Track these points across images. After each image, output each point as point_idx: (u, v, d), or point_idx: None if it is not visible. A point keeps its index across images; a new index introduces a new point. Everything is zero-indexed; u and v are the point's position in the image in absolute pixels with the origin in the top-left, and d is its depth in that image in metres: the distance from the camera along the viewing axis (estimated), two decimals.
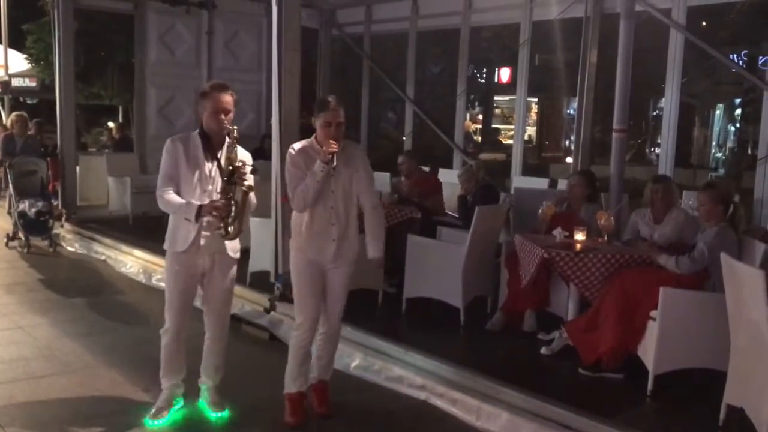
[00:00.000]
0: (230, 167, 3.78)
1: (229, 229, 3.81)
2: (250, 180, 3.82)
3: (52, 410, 4.19)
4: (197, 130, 3.92)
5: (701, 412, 4.02)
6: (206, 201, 3.79)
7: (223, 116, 3.81)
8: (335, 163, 3.87)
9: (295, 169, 3.93)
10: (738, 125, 15.84)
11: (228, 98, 3.86)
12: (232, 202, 3.77)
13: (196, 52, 11.21)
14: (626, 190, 6.51)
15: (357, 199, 4.05)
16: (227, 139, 3.81)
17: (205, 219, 3.78)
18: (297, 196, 3.91)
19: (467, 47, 10.51)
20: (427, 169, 8.28)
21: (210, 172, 3.85)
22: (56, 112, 9.77)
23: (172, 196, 3.80)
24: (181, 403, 4.15)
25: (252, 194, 3.89)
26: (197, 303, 4.13)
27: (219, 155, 3.87)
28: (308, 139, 4.02)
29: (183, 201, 3.78)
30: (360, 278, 4.58)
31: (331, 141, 3.83)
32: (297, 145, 4.00)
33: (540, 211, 5.49)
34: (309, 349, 4.12)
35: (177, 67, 11.02)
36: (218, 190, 3.84)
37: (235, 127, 3.83)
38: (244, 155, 3.93)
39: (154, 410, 4.04)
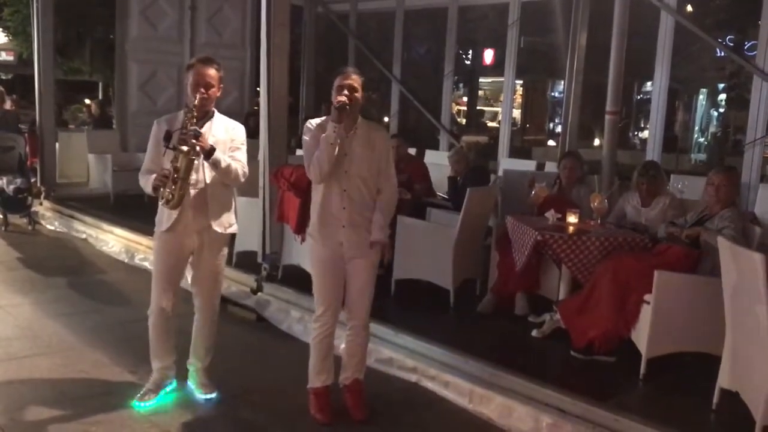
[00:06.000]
0: (183, 128, 3.65)
1: (169, 196, 3.65)
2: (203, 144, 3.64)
3: (36, 391, 4.08)
4: (184, 108, 3.81)
5: (694, 396, 4.01)
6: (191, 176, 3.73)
7: (203, 90, 3.69)
8: (342, 117, 3.60)
9: (312, 140, 3.72)
10: (721, 110, 15.95)
11: (210, 71, 3.75)
12: (175, 167, 3.62)
13: (179, 28, 10.96)
14: None
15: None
16: (193, 110, 3.67)
17: (158, 187, 3.66)
18: (312, 165, 3.67)
19: (455, 27, 10.40)
20: (413, 150, 8.20)
21: None
22: (33, 87, 9.53)
23: (145, 174, 3.77)
24: (173, 386, 4.07)
25: (237, 166, 3.79)
26: (186, 286, 4.05)
27: (203, 130, 3.74)
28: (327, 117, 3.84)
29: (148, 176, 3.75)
30: None
31: (339, 96, 3.61)
32: (314, 120, 3.83)
33: (533, 193, 5.44)
34: (331, 341, 3.89)
35: (159, 43, 10.77)
36: (203, 164, 3.76)
37: (199, 95, 3.68)
38: (235, 129, 3.88)
39: (142, 392, 3.95)
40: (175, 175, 3.62)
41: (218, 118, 3.87)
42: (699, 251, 4.48)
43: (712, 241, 4.30)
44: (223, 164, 3.74)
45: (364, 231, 3.78)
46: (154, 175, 3.68)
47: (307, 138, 3.76)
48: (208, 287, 4.01)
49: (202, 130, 3.71)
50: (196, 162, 3.69)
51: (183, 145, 3.58)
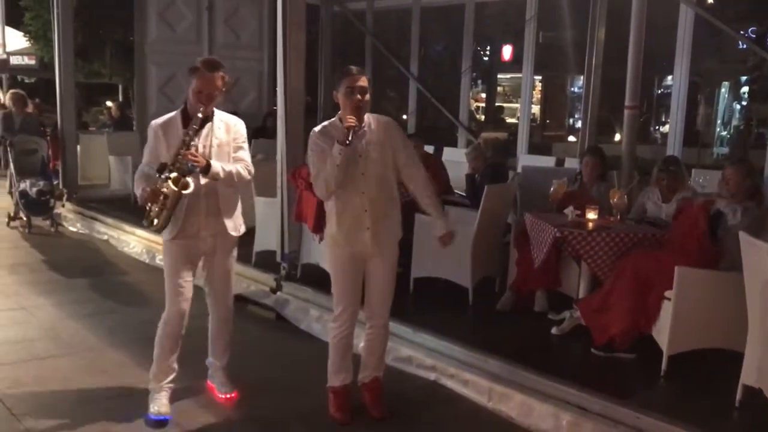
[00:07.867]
0: (177, 155, 3.57)
1: (153, 220, 3.63)
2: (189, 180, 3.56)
3: (59, 392, 4.13)
4: (180, 109, 3.77)
5: (716, 393, 3.97)
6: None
7: (204, 103, 3.60)
8: (351, 139, 3.48)
9: (316, 154, 3.62)
10: (743, 103, 15.71)
11: (216, 81, 3.65)
12: (163, 190, 3.55)
13: (197, 29, 11.03)
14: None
15: (397, 179, 3.74)
16: (191, 132, 3.61)
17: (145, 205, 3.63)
18: (318, 185, 3.61)
19: (472, 23, 10.37)
20: (430, 148, 8.18)
21: None
22: (55, 91, 9.63)
23: (140, 174, 3.70)
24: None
25: (240, 167, 3.75)
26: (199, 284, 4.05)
27: (200, 135, 3.69)
28: (332, 119, 3.75)
29: (143, 179, 3.66)
30: None
31: (348, 116, 3.53)
32: (318, 127, 3.73)
33: (551, 189, 5.40)
34: (350, 341, 3.88)
35: (178, 44, 10.83)
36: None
37: (201, 108, 3.61)
38: (237, 126, 3.83)
39: (154, 408, 3.82)
40: (162, 205, 3.58)
41: (218, 117, 3.78)
42: (718, 249, 4.41)
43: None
44: (223, 174, 3.66)
45: (389, 229, 3.76)
46: (143, 190, 3.59)
47: (311, 150, 3.67)
48: (221, 287, 4.02)
49: (201, 134, 3.68)
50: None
51: (175, 180, 3.51)
